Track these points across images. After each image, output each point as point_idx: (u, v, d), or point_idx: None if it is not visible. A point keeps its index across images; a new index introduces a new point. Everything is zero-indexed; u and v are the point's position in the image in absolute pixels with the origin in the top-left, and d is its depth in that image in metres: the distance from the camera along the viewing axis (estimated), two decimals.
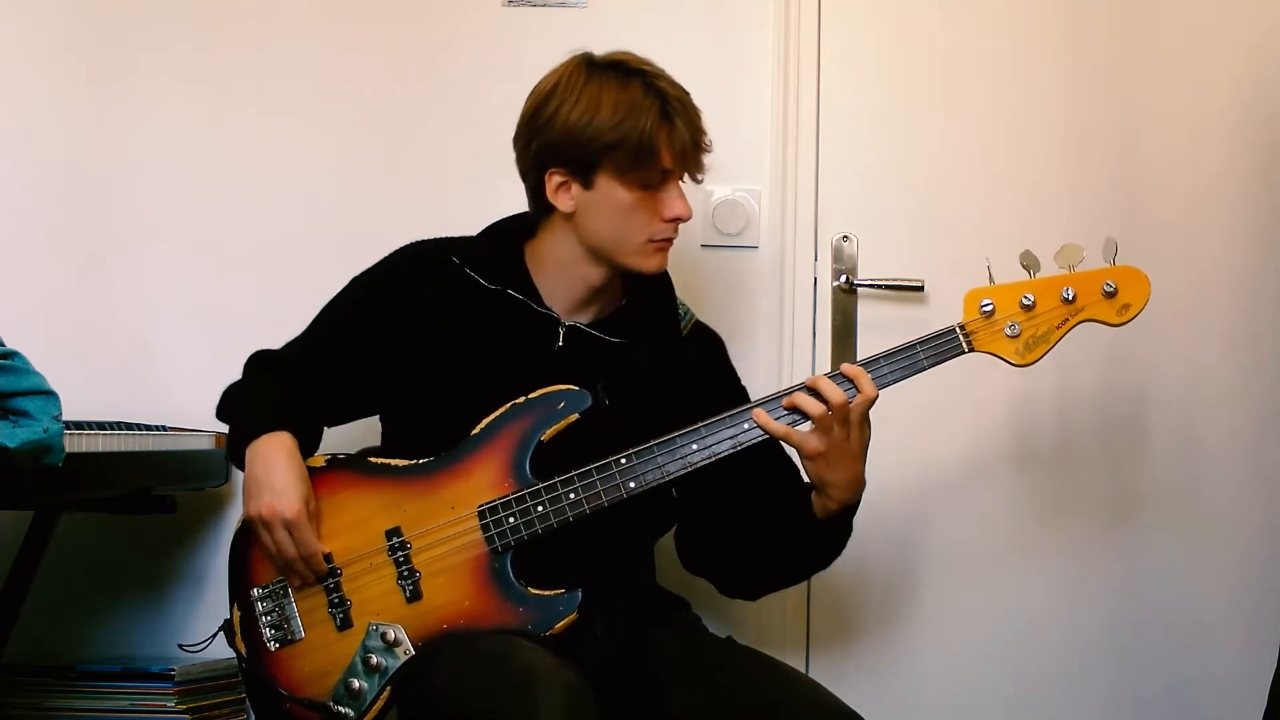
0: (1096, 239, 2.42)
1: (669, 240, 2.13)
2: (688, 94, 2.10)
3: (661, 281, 2.21)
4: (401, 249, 2.24)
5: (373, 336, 2.17)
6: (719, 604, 2.50)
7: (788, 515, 2.11)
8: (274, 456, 2.05)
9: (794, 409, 2.01)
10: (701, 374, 2.23)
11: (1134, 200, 2.68)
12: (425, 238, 2.26)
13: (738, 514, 2.15)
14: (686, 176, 2.11)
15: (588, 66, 2.10)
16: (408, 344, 2.15)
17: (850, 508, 2.07)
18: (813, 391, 2.00)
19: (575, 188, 2.09)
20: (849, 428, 1.99)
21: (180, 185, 2.68)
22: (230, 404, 2.17)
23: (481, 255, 2.18)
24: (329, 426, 2.19)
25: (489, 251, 2.19)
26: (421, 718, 1.94)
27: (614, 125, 2.03)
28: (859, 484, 2.05)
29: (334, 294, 2.24)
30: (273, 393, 2.15)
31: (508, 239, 2.20)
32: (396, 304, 2.17)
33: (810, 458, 2.01)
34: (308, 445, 2.12)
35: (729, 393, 2.24)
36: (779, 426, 2.01)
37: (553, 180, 2.10)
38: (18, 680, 2.40)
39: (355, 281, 2.24)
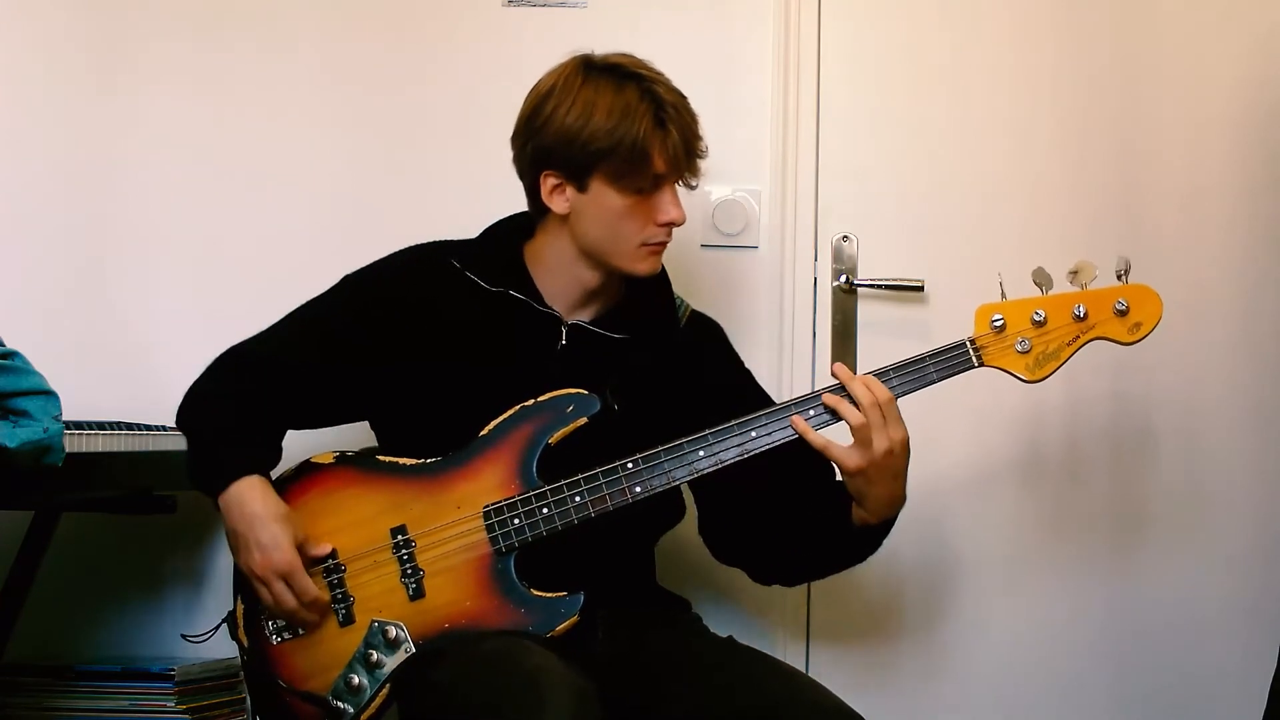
0: (1096, 239, 2.43)
1: (663, 244, 2.13)
2: (684, 98, 2.10)
3: (659, 276, 2.21)
4: (398, 252, 2.24)
5: (363, 337, 2.16)
6: (719, 604, 2.51)
7: (822, 517, 2.12)
8: (249, 506, 2.03)
9: (832, 411, 2.02)
10: (705, 367, 2.24)
11: (1134, 199, 2.68)
12: (423, 239, 2.26)
13: (771, 510, 2.15)
14: (681, 181, 2.11)
15: (585, 68, 2.09)
16: (407, 346, 2.15)
17: (888, 523, 2.09)
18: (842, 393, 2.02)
19: (570, 190, 2.09)
20: (886, 428, 1.99)
21: (180, 185, 2.68)
22: (190, 417, 2.14)
23: (481, 257, 2.18)
24: (296, 429, 2.17)
25: (488, 253, 2.19)
26: (425, 717, 1.94)
27: (608, 130, 2.03)
28: (898, 503, 2.06)
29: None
30: (238, 414, 2.11)
31: (506, 240, 2.20)
32: (392, 306, 2.16)
33: (850, 474, 2.01)
34: (275, 457, 2.11)
35: (736, 384, 2.25)
36: (819, 438, 2.02)
37: (547, 182, 2.10)
38: (18, 680, 2.39)
39: (347, 280, 2.22)
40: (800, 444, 2.04)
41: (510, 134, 2.15)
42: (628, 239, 2.10)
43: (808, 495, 2.14)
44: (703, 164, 2.12)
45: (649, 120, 2.04)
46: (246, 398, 2.13)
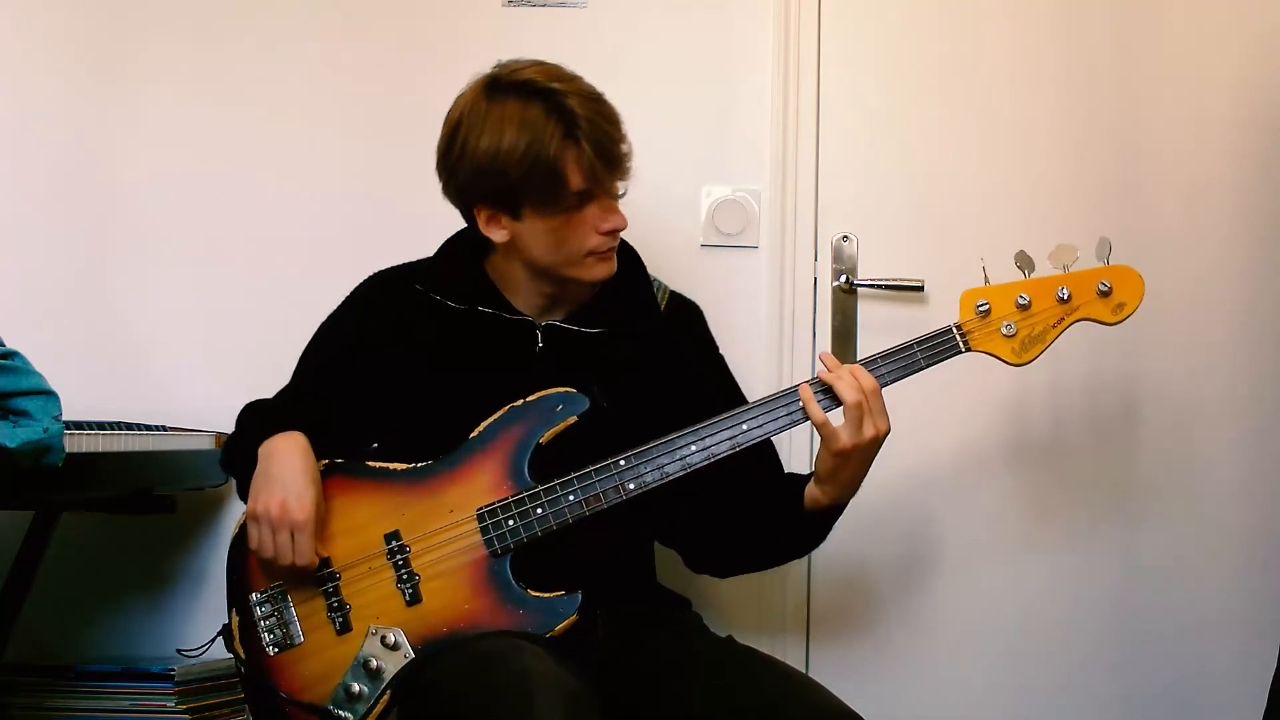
0: (1096, 238, 2.42)
1: (610, 249, 2.11)
2: (599, 101, 2.05)
3: (631, 266, 2.20)
4: (360, 285, 2.24)
5: (352, 374, 2.17)
6: (719, 603, 2.51)
7: (773, 502, 2.12)
8: (290, 455, 2.03)
9: (829, 391, 2.01)
10: (687, 353, 2.23)
11: (1134, 200, 2.68)
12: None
13: (720, 495, 2.14)
14: (605, 191, 2.06)
15: (489, 90, 2.05)
16: (389, 375, 2.15)
17: (840, 507, 2.09)
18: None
19: (505, 219, 2.07)
20: (874, 417, 2.00)
21: (180, 185, 2.68)
22: (233, 443, 2.15)
23: (443, 277, 2.18)
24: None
25: (449, 272, 2.18)
26: (419, 716, 1.94)
27: (519, 158, 1.99)
28: (857, 487, 2.07)
29: (313, 331, 2.24)
30: (280, 409, 2.14)
31: (466, 256, 2.19)
32: (368, 339, 2.17)
33: (837, 452, 2.01)
34: (317, 437, 2.10)
35: (711, 371, 2.26)
36: (821, 413, 2.02)
37: (481, 215, 2.08)
38: (18, 680, 2.40)
39: (323, 326, 2.23)
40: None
41: None
42: (573, 252, 2.08)
43: (758, 482, 2.15)
44: (630, 164, 2.07)
45: (557, 138, 2.00)
46: (283, 407, 2.15)
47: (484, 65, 2.37)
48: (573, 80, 2.05)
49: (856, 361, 2.05)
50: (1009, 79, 2.69)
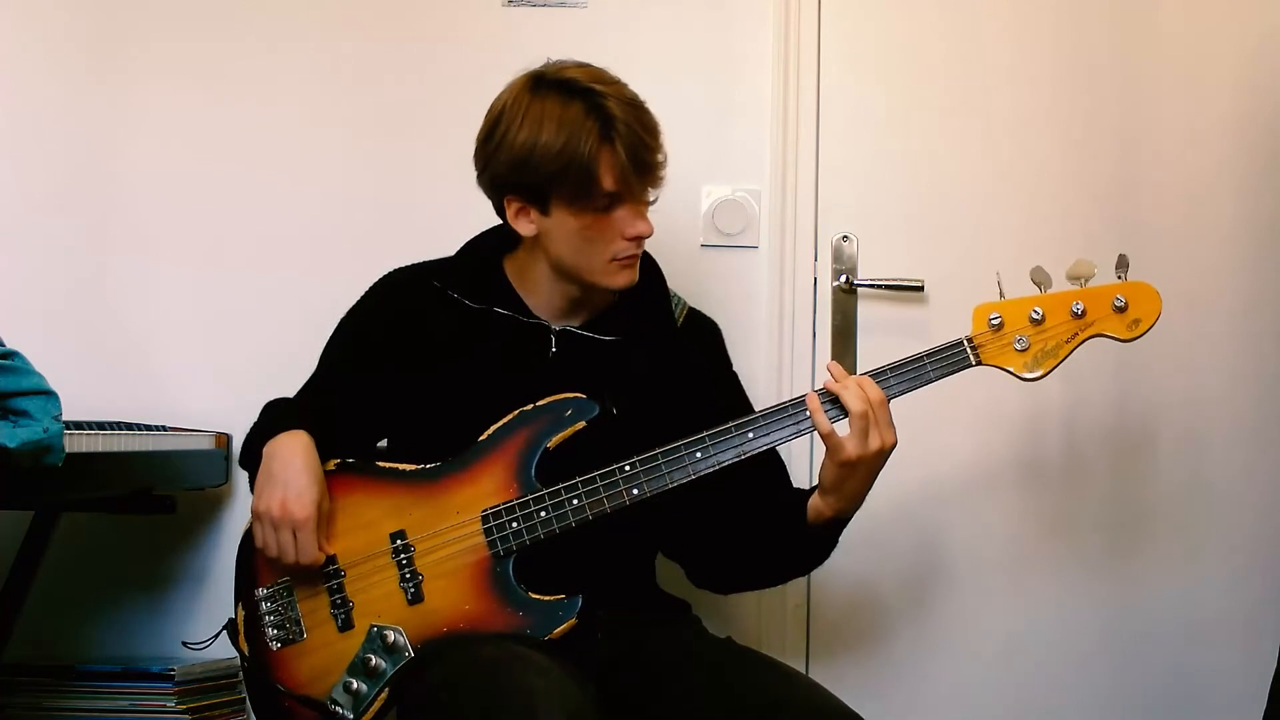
0: (1096, 239, 2.43)
1: (634, 256, 2.11)
2: (639, 108, 2.05)
3: (653, 277, 2.20)
4: (380, 280, 2.24)
5: (371, 370, 2.17)
6: (719, 605, 2.51)
7: (776, 513, 2.12)
8: (292, 454, 2.04)
9: (835, 400, 2.00)
10: (702, 368, 2.23)
11: (1134, 201, 2.68)
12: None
13: (725, 508, 2.14)
14: (635, 197, 2.06)
15: (534, 86, 2.06)
16: (404, 371, 2.15)
17: (843, 520, 2.08)
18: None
19: (534, 213, 2.07)
20: (880, 429, 1.99)
21: (181, 185, 2.68)
22: (247, 440, 2.16)
23: (462, 276, 2.18)
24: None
25: (469, 271, 2.19)
26: (420, 718, 1.94)
27: (556, 153, 2.00)
28: (861, 500, 2.06)
29: (331, 329, 2.25)
30: (291, 408, 2.15)
31: (486, 256, 2.20)
32: (386, 335, 2.17)
33: (842, 463, 2.00)
34: (325, 441, 2.11)
35: (723, 387, 2.25)
36: (826, 424, 2.01)
37: (511, 206, 2.09)
38: (18, 680, 2.40)
39: (342, 322, 2.24)
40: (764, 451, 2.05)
41: None
42: (597, 256, 2.08)
43: (762, 493, 2.14)
44: (663, 173, 2.08)
45: (594, 138, 2.00)
46: (296, 406, 2.17)
47: (484, 64, 2.38)
48: (615, 84, 2.06)
49: (864, 372, 2.04)
50: (1009, 79, 2.69)
